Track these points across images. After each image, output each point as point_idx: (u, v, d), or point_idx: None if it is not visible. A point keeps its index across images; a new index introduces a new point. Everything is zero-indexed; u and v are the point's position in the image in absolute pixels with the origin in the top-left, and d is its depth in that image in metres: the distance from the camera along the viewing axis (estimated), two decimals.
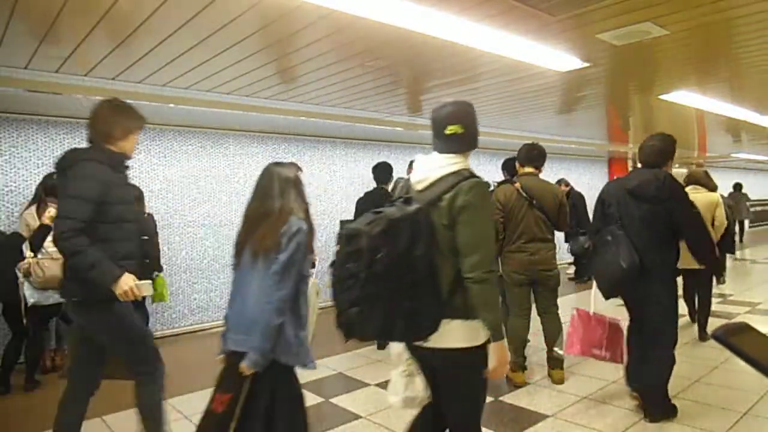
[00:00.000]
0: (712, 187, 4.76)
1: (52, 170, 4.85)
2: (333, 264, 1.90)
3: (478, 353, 1.85)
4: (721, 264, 6.06)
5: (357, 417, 3.34)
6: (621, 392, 3.59)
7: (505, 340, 1.95)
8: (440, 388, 1.99)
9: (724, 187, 11.10)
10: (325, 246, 6.91)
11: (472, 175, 1.92)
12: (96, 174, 2.29)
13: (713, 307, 6.04)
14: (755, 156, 12.67)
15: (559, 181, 8.60)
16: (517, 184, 3.75)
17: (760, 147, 10.89)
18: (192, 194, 5.83)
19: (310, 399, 3.69)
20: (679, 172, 15.02)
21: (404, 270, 1.74)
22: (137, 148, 5.33)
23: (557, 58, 3.80)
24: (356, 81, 4.36)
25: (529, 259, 3.70)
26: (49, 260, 3.97)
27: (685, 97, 5.40)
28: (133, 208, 2.72)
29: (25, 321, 3.90)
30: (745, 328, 2.07)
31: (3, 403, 3.82)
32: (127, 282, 2.31)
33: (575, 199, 7.74)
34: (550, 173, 8.18)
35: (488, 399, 3.54)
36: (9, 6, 2.62)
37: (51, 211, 4.21)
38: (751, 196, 13.76)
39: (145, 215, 4.86)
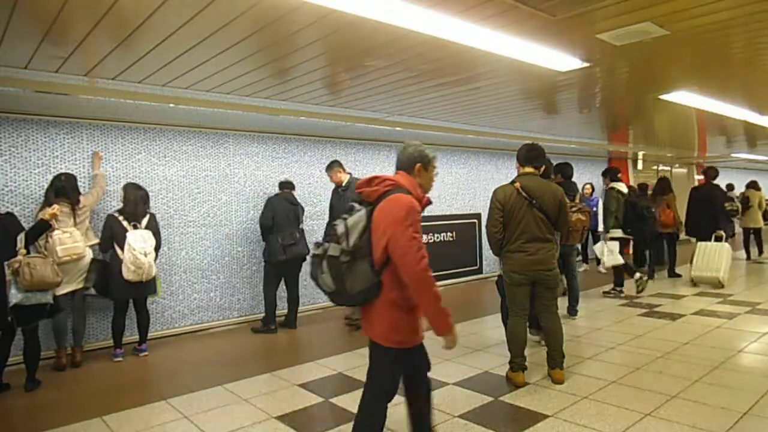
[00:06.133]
0: None
1: (56, 171, 4.91)
2: None
3: None
4: None
5: None
6: (621, 392, 3.59)
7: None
8: None
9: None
10: None
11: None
12: None
13: (713, 307, 6.06)
14: (755, 156, 12.67)
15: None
16: (517, 184, 3.75)
17: (761, 147, 10.91)
18: (192, 194, 5.83)
19: (311, 399, 3.70)
20: (679, 172, 14.95)
21: None
22: (137, 148, 5.38)
23: (557, 58, 3.80)
24: (356, 81, 4.36)
25: (529, 259, 3.69)
26: (39, 259, 3.98)
27: (685, 97, 5.40)
28: None
29: (9, 318, 3.87)
30: None
31: (3, 403, 3.82)
32: None
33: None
34: None
35: (488, 399, 3.56)
36: (9, 6, 2.62)
37: (55, 207, 4.23)
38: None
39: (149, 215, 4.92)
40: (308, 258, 5.68)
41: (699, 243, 7.63)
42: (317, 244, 2.35)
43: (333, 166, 5.76)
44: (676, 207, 8.21)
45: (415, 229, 2.18)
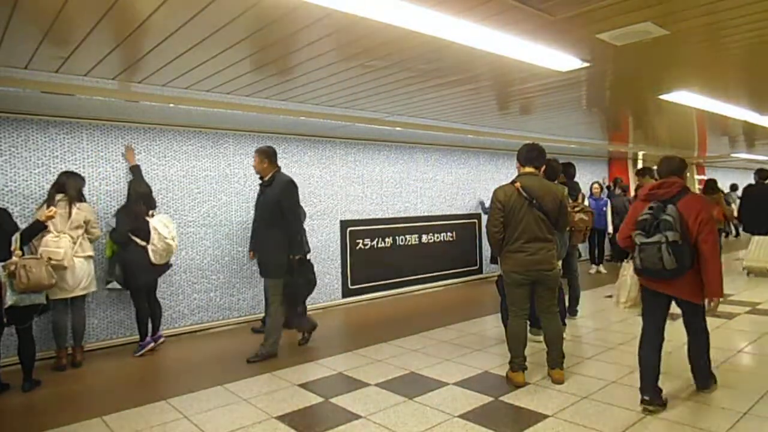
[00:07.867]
0: None
1: (56, 171, 4.91)
2: None
3: None
4: None
5: (357, 417, 3.34)
6: (621, 392, 3.59)
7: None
8: None
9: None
10: (325, 245, 6.91)
11: None
12: None
13: None
14: (755, 156, 12.67)
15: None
16: (518, 184, 3.75)
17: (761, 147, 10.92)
18: (192, 194, 5.83)
19: (310, 399, 3.70)
20: None
21: None
22: (137, 148, 5.38)
23: (557, 58, 3.80)
24: (356, 81, 4.36)
25: (529, 259, 3.69)
26: (34, 260, 3.97)
27: (685, 97, 5.39)
28: None
29: (5, 320, 3.87)
30: None
31: (2, 403, 3.82)
32: None
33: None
34: None
35: (488, 399, 3.56)
36: (9, 6, 2.62)
37: (52, 209, 4.22)
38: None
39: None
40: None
41: (753, 237, 8.49)
42: (647, 234, 3.08)
43: (264, 152, 4.69)
44: (724, 205, 8.92)
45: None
